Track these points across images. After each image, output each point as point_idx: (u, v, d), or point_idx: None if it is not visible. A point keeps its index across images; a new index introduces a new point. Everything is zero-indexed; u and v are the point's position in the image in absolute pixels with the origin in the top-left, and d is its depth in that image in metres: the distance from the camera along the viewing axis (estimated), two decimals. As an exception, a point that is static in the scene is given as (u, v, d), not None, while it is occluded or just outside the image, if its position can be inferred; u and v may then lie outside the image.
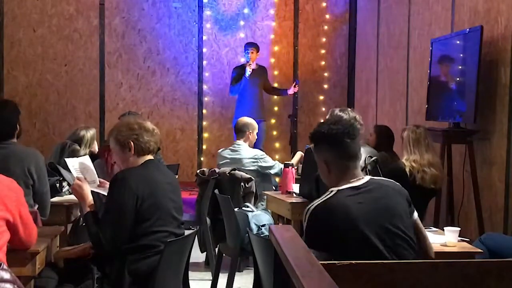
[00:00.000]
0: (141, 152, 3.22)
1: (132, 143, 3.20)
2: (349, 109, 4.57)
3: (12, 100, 4.22)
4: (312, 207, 2.54)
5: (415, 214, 2.74)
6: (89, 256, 3.20)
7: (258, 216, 4.74)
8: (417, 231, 2.73)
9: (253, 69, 7.87)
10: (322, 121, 2.79)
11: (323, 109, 8.91)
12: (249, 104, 7.90)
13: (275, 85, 8.62)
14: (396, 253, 2.53)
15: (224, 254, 4.82)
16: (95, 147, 5.41)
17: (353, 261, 2.27)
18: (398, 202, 2.64)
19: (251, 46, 7.99)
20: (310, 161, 4.49)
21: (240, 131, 5.72)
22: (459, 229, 3.46)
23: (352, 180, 2.62)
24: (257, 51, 7.98)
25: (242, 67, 7.94)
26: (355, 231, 2.48)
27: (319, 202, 2.55)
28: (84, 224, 3.25)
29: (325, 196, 2.57)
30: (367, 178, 2.67)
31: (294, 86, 8.18)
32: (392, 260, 2.47)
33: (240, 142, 5.66)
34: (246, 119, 5.79)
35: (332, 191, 2.58)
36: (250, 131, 5.69)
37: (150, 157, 3.27)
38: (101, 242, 3.03)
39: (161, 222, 3.13)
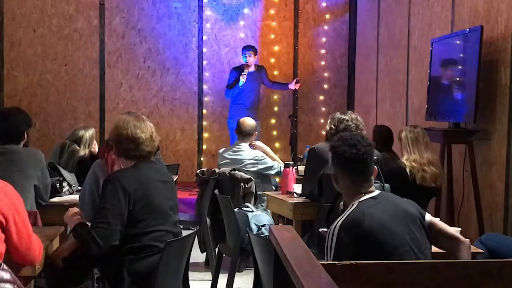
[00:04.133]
0: (140, 159, 3.24)
1: (131, 154, 3.23)
2: (349, 111, 4.54)
3: (29, 114, 4.49)
4: (339, 223, 2.57)
5: (427, 216, 2.78)
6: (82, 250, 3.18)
7: (258, 216, 4.73)
8: (436, 228, 2.77)
9: (250, 72, 7.91)
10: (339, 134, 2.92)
11: (323, 109, 8.91)
12: (244, 106, 7.92)
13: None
14: (423, 253, 2.62)
15: (224, 254, 4.81)
16: (95, 147, 5.40)
17: (353, 261, 2.27)
18: (411, 209, 2.73)
19: (249, 49, 8.01)
20: (312, 161, 4.49)
21: (246, 134, 5.63)
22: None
23: (366, 191, 2.71)
24: (255, 54, 8.01)
25: (240, 69, 7.96)
26: (389, 237, 2.54)
27: (344, 217, 2.59)
28: (72, 234, 3.20)
29: (348, 211, 2.62)
30: (377, 191, 2.76)
31: (296, 83, 8.20)
32: (421, 259, 2.56)
33: (242, 143, 5.63)
34: (250, 122, 5.67)
35: (353, 204, 2.65)
36: (255, 133, 5.70)
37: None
38: (94, 240, 2.99)
39: (157, 221, 3.13)
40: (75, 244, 3.18)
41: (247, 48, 8.04)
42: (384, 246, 2.52)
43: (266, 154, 5.71)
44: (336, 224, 2.57)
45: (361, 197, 2.67)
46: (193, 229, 4.21)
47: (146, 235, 3.10)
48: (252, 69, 7.97)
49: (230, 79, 8.09)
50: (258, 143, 5.88)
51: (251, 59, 7.93)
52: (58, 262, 3.18)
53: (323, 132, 7.74)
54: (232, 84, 7.98)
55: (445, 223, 4.97)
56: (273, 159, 5.74)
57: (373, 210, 2.60)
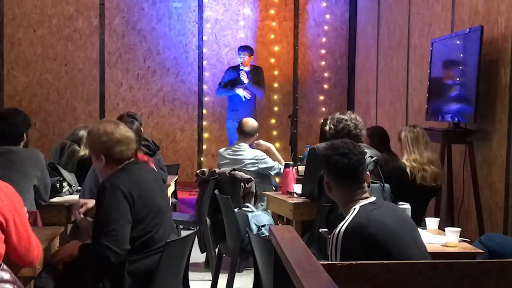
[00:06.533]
0: (116, 162, 3.18)
1: (103, 156, 3.17)
2: (349, 111, 4.53)
3: (27, 115, 4.47)
4: (343, 228, 2.54)
5: None
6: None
7: (258, 217, 4.73)
8: None
9: (246, 71, 7.89)
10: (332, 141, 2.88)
11: (323, 109, 8.91)
12: (242, 106, 7.91)
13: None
14: (424, 254, 2.63)
15: (224, 254, 4.82)
16: (95, 147, 5.38)
17: (353, 261, 2.27)
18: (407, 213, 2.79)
19: (244, 50, 7.98)
20: (312, 161, 4.49)
21: (247, 135, 5.63)
22: (460, 229, 3.46)
23: (360, 198, 2.68)
24: (250, 55, 7.97)
25: (237, 69, 7.94)
26: (395, 240, 2.53)
27: (347, 222, 2.56)
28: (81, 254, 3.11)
29: (351, 216, 2.58)
30: (373, 197, 2.73)
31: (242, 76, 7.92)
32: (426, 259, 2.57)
33: (242, 143, 5.63)
34: (253, 123, 5.68)
35: (354, 209, 2.61)
36: (257, 135, 5.69)
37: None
38: (111, 249, 2.94)
39: (156, 220, 3.12)
40: (76, 248, 3.18)
41: (242, 49, 8.02)
42: (392, 249, 2.50)
43: (269, 153, 5.72)
44: (340, 229, 2.54)
45: (357, 203, 2.65)
46: (193, 229, 4.21)
47: (146, 234, 3.09)
48: (247, 69, 7.95)
49: (224, 77, 8.07)
50: (262, 142, 5.89)
51: (246, 59, 7.91)
52: (58, 266, 3.18)
53: (323, 132, 7.76)
54: (230, 82, 7.92)
55: (445, 223, 5.00)
56: (276, 158, 5.75)
57: (376, 214, 2.58)
